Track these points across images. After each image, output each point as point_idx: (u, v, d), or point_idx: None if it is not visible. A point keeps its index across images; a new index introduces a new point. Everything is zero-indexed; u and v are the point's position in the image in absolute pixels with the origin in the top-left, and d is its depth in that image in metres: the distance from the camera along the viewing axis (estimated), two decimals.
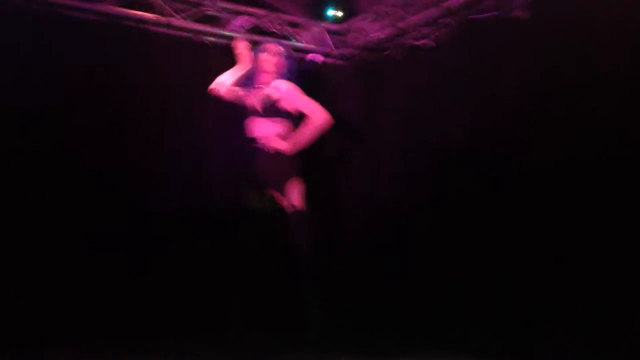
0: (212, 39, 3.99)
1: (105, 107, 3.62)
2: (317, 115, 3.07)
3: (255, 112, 3.16)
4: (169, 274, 3.55)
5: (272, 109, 3.12)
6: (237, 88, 3.30)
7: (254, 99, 3.19)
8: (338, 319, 3.19)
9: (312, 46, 4.23)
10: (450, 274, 3.33)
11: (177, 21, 3.81)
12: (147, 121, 3.78)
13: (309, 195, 3.13)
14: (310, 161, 3.28)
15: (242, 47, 3.37)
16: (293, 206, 3.05)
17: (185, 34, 3.93)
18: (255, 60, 3.27)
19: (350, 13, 4.30)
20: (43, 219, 3.29)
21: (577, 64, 2.81)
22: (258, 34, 4.06)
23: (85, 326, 3.10)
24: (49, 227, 3.30)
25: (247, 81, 3.28)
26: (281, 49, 3.29)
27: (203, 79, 3.95)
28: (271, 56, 3.22)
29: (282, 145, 3.08)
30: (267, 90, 3.17)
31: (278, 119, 3.13)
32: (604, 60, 2.67)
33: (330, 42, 4.32)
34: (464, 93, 3.52)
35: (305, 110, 3.10)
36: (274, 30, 4.09)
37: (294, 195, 3.06)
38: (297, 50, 4.10)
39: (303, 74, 3.45)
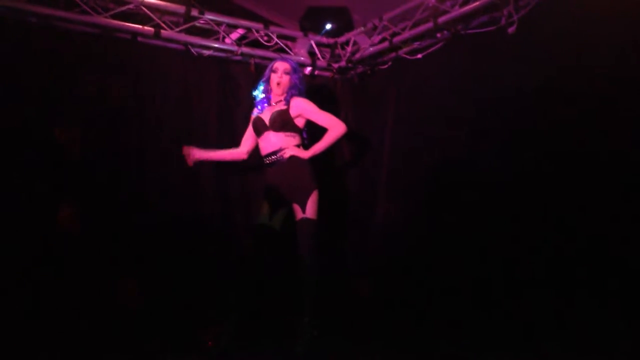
0: (206, 51, 4.03)
1: (99, 119, 3.65)
2: (336, 127, 3.26)
3: (268, 128, 3.25)
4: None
5: (288, 125, 3.24)
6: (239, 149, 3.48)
7: (267, 116, 3.28)
8: (327, 334, 3.15)
9: (302, 58, 4.25)
10: (452, 288, 3.40)
11: (171, 33, 3.83)
12: (144, 131, 3.83)
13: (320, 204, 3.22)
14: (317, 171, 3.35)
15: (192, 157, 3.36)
16: (305, 215, 3.14)
17: (179, 46, 3.97)
18: (267, 80, 3.34)
19: (345, 27, 4.31)
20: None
21: (560, 73, 2.98)
22: (252, 46, 4.10)
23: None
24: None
25: (262, 99, 3.36)
26: (289, 66, 3.32)
27: (198, 90, 4.05)
28: (282, 75, 3.28)
29: (303, 153, 3.22)
30: (282, 107, 3.27)
31: (291, 133, 3.26)
32: (585, 71, 2.88)
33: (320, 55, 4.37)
34: (455, 103, 3.61)
35: (325, 124, 3.28)
36: (266, 43, 4.13)
37: (309, 204, 3.16)
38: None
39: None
